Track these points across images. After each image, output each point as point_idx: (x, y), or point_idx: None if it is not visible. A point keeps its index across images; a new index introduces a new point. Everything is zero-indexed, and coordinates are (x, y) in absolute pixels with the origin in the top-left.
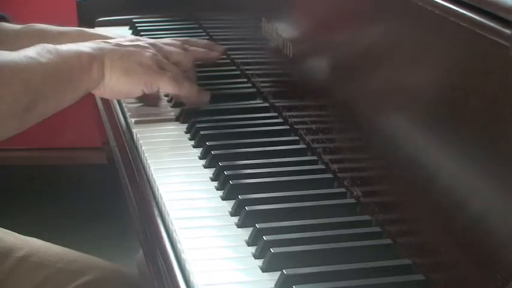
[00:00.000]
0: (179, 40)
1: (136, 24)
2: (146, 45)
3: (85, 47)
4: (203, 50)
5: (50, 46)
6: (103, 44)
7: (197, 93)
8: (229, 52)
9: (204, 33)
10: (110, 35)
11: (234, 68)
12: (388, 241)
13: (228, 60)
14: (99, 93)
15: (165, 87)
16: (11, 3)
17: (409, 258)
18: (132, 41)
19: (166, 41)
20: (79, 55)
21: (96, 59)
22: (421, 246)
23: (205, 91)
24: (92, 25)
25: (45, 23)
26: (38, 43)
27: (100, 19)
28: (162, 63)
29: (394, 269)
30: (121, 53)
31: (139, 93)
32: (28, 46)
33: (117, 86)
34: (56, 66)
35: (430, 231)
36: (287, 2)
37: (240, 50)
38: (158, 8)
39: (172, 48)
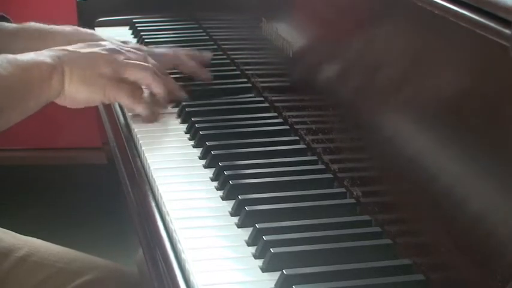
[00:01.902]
0: (142, 50)
1: (136, 24)
2: (105, 52)
3: (45, 56)
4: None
5: (10, 57)
6: (63, 52)
7: (152, 115)
8: (229, 52)
9: (204, 33)
10: (105, 34)
11: (234, 68)
12: (388, 241)
13: (228, 60)
14: (60, 101)
15: (123, 101)
16: (11, 3)
17: (409, 258)
18: (91, 46)
19: (129, 48)
20: (39, 65)
21: (56, 68)
22: (421, 246)
23: (159, 112)
24: (92, 25)
25: (45, 23)
26: (35, 42)
27: (100, 19)
28: (120, 72)
29: (394, 269)
30: (80, 62)
31: (98, 102)
32: (25, 45)
33: (77, 95)
34: (16, 77)
35: (430, 231)
36: (287, 2)
37: (240, 50)
38: (158, 8)
39: (132, 60)
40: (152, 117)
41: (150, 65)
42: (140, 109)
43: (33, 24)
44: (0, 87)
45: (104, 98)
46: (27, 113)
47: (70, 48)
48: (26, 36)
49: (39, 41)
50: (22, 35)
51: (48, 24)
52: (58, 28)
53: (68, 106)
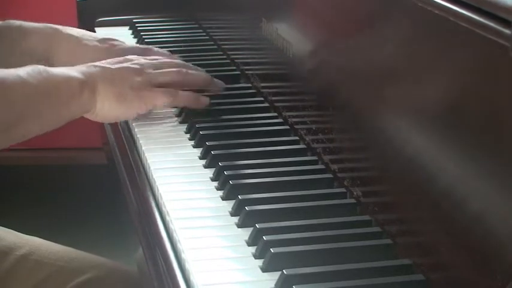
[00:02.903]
0: (176, 63)
1: (136, 24)
2: (136, 66)
3: (76, 71)
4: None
5: (41, 68)
6: (94, 68)
7: (195, 101)
8: (229, 52)
9: (204, 33)
10: (87, 35)
11: (234, 68)
12: (388, 241)
13: (228, 60)
14: (91, 118)
15: (160, 103)
16: (11, 3)
17: (409, 258)
18: (121, 62)
19: (161, 64)
20: (69, 80)
21: (87, 84)
22: (421, 246)
23: (203, 97)
24: (92, 25)
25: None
26: (16, 39)
27: (100, 19)
28: (153, 81)
29: (394, 269)
30: (112, 79)
31: (133, 117)
32: (7, 43)
33: (110, 112)
34: (43, 89)
35: (430, 231)
36: (287, 2)
37: (240, 50)
38: (158, 8)
39: (164, 71)
40: (201, 100)
41: (179, 69)
42: (183, 99)
43: (15, 21)
44: (24, 95)
45: (140, 109)
46: (48, 127)
47: (101, 64)
48: (7, 33)
49: (21, 38)
50: (4, 32)
51: (25, 21)
52: (36, 26)
53: (101, 121)
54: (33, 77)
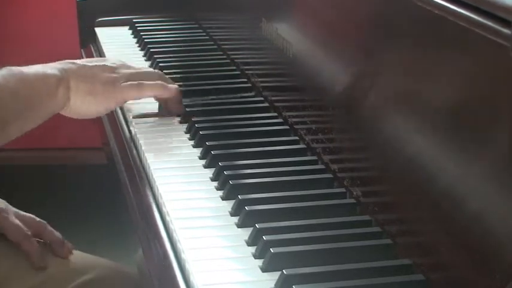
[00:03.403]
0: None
1: (136, 24)
2: (113, 64)
3: (51, 68)
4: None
5: (15, 69)
6: (69, 65)
7: (163, 89)
8: (229, 52)
9: (204, 33)
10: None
11: (234, 68)
12: (388, 241)
13: (228, 60)
14: (66, 114)
15: (128, 96)
16: (11, 3)
17: (409, 258)
18: (98, 60)
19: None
20: (45, 78)
21: (62, 81)
22: (421, 246)
23: (171, 84)
24: (92, 25)
25: (45, 23)
26: None
27: (100, 19)
28: (123, 78)
29: (394, 269)
30: (85, 75)
31: (105, 112)
32: None
33: (82, 107)
34: (19, 90)
35: (430, 231)
36: (287, 2)
37: (240, 50)
38: (158, 8)
39: (135, 71)
40: (169, 87)
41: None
42: (150, 89)
43: None
44: (3, 100)
45: (109, 104)
46: (28, 128)
47: (78, 61)
48: None
49: None
50: None
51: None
52: None
53: (75, 117)
54: (8, 80)
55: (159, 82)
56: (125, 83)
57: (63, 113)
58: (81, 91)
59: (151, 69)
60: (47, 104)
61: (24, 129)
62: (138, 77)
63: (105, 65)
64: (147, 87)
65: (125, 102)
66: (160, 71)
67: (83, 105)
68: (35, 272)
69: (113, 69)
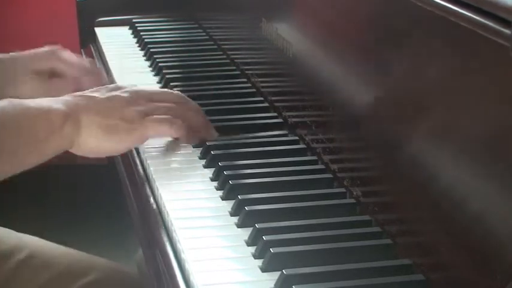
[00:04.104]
0: (175, 97)
1: (136, 24)
2: (127, 95)
3: (58, 103)
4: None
5: (16, 102)
6: (78, 98)
7: (204, 131)
8: (229, 52)
9: (204, 33)
10: (27, 56)
11: (234, 68)
12: (388, 241)
13: (228, 60)
14: (75, 152)
15: (156, 133)
16: (11, 3)
17: (409, 258)
18: (110, 90)
19: (156, 96)
20: (48, 113)
21: (70, 117)
22: (421, 246)
23: (213, 128)
24: (92, 25)
25: (45, 23)
26: None
27: (100, 19)
28: (147, 111)
29: (394, 269)
30: (98, 109)
31: (124, 151)
32: None
33: (97, 147)
34: (17, 124)
35: (430, 231)
36: (287, 2)
37: (240, 50)
38: (158, 8)
39: (161, 105)
40: (211, 132)
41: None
42: (180, 130)
43: None
44: None
45: (132, 142)
46: (24, 166)
47: (87, 93)
48: None
49: None
50: None
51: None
52: (14, 55)
53: (87, 156)
54: (6, 112)
55: (203, 123)
56: (155, 118)
57: (73, 151)
58: (97, 128)
59: (169, 91)
60: (48, 142)
61: (20, 168)
62: (163, 109)
63: (121, 96)
64: (179, 129)
65: (148, 139)
66: (179, 93)
67: (99, 143)
68: (37, 275)
69: (132, 100)
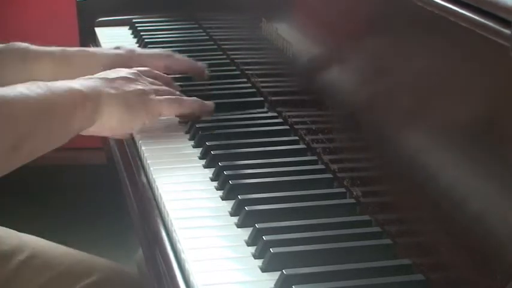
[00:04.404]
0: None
1: (136, 24)
2: (130, 75)
3: (78, 84)
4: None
5: (41, 83)
6: (92, 79)
7: (200, 107)
8: (229, 52)
9: (204, 33)
10: (98, 52)
11: (234, 68)
12: (388, 241)
13: (228, 60)
14: (96, 131)
15: (168, 111)
16: (11, 3)
17: (409, 258)
18: (115, 72)
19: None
20: (70, 91)
21: (89, 97)
22: (421, 246)
23: (208, 102)
24: (92, 25)
25: (45, 23)
26: (20, 61)
27: (100, 19)
28: (154, 88)
29: (394, 269)
30: (115, 87)
31: (139, 127)
32: (11, 65)
33: (119, 123)
34: (46, 102)
35: (430, 231)
36: (287, 2)
37: (240, 50)
38: (158, 8)
39: (153, 74)
40: (207, 104)
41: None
42: (189, 105)
43: (19, 43)
44: (28, 110)
45: (147, 117)
46: (55, 143)
47: (98, 75)
48: (11, 54)
49: (25, 60)
50: (7, 54)
51: (38, 45)
52: (46, 49)
53: (105, 135)
54: (34, 92)
55: (198, 100)
56: (164, 97)
57: (93, 130)
58: (118, 106)
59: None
60: (72, 117)
61: (52, 145)
62: (167, 88)
63: (127, 76)
64: (187, 105)
65: (162, 115)
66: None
67: (120, 121)
68: (38, 275)
69: (139, 78)
